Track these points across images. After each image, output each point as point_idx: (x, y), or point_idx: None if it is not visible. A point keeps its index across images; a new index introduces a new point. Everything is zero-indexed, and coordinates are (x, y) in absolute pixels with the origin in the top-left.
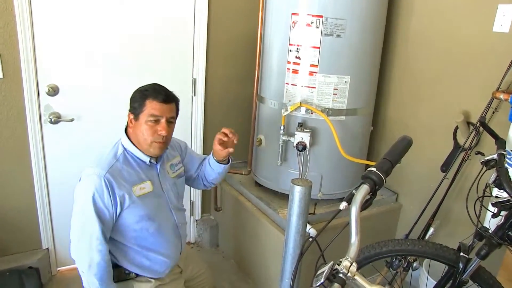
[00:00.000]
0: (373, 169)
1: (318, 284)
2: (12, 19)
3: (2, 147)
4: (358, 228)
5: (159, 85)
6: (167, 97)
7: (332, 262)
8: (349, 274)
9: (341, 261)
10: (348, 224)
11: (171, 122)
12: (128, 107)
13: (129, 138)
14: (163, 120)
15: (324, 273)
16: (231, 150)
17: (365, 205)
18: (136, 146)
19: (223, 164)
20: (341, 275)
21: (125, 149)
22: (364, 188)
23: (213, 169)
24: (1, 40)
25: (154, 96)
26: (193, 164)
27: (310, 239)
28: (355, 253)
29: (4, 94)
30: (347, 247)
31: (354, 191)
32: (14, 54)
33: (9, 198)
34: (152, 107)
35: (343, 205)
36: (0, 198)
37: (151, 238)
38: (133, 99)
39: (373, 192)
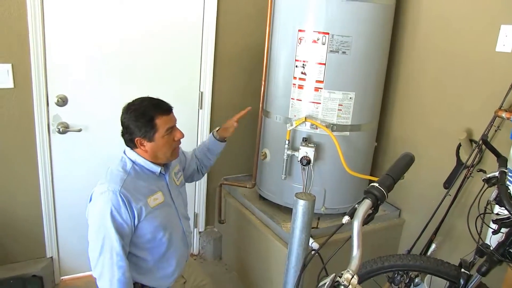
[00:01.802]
0: (376, 184)
1: None
2: (25, 30)
3: (10, 156)
4: (360, 242)
5: (151, 98)
6: (169, 106)
7: (334, 274)
8: (350, 286)
9: (342, 274)
10: (350, 238)
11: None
12: (128, 133)
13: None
14: (176, 127)
15: (326, 285)
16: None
17: (367, 220)
18: (146, 159)
19: (224, 142)
20: (342, 287)
21: (133, 162)
22: (366, 203)
23: (214, 151)
24: (13, 50)
25: (159, 112)
26: (192, 159)
27: (313, 252)
28: (357, 266)
29: (14, 103)
30: (349, 261)
31: (356, 205)
32: (26, 65)
33: (16, 206)
34: (164, 122)
35: (345, 219)
36: (6, 206)
37: (163, 247)
38: (136, 124)
39: (375, 207)
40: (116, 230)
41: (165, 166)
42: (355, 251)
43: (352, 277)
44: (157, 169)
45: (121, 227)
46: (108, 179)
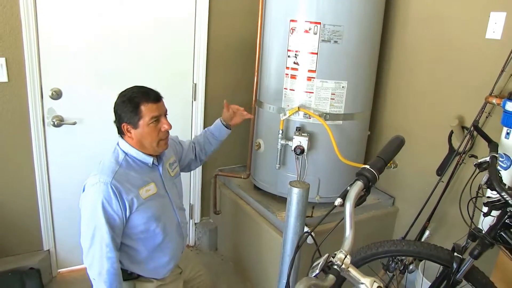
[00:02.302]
0: (367, 166)
1: (314, 274)
2: (18, 24)
3: (5, 149)
4: (352, 223)
5: (141, 86)
6: (157, 95)
7: (327, 255)
8: (343, 266)
9: (335, 254)
10: (342, 219)
11: (166, 115)
12: (117, 119)
13: (128, 143)
14: (163, 117)
15: (320, 264)
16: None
17: (359, 201)
18: (137, 149)
19: (229, 129)
20: (335, 267)
21: (126, 153)
22: (358, 185)
23: (219, 138)
24: (7, 44)
25: (146, 99)
26: (189, 149)
27: (306, 234)
28: (349, 246)
29: (8, 97)
30: (342, 242)
31: (348, 188)
32: (19, 59)
33: (12, 200)
34: (149, 109)
35: (338, 201)
36: (2, 199)
37: (157, 238)
38: (123, 109)
39: (366, 189)
40: (106, 221)
41: (158, 157)
42: (348, 232)
43: (345, 256)
44: (149, 160)
45: (112, 218)
46: (100, 171)
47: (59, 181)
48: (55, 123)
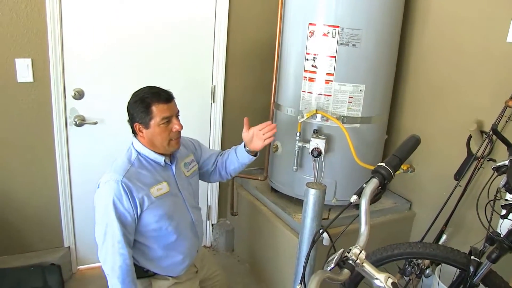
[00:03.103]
0: (383, 164)
1: (329, 268)
2: (44, 26)
3: (29, 148)
4: (367, 219)
5: (153, 86)
6: (168, 96)
7: (342, 250)
8: (358, 261)
9: (351, 249)
10: (358, 216)
11: (178, 116)
12: (130, 118)
13: (141, 142)
14: (174, 118)
15: (335, 259)
16: (269, 141)
17: (374, 198)
18: (149, 149)
19: (251, 155)
20: (350, 261)
21: (138, 153)
22: (374, 182)
23: (240, 160)
24: (33, 46)
25: (157, 99)
26: (210, 158)
27: (321, 230)
28: (364, 241)
29: (33, 97)
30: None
31: (364, 185)
32: (44, 59)
33: (34, 197)
34: (160, 110)
35: (353, 198)
36: (25, 196)
37: (170, 237)
38: (135, 109)
39: (382, 186)
40: (118, 218)
41: (172, 156)
42: (363, 228)
43: (360, 252)
44: (161, 159)
45: (123, 216)
46: (113, 169)
47: (80, 179)
48: (77, 122)
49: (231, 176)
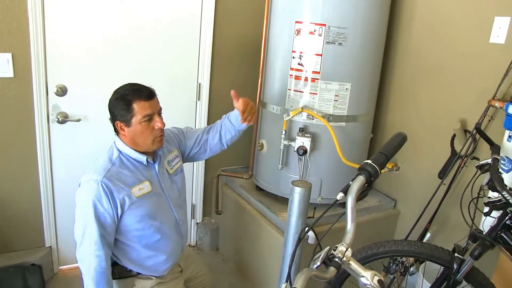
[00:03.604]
0: (369, 161)
1: (315, 266)
2: (25, 20)
3: (10, 145)
4: (353, 216)
5: (134, 83)
6: (150, 93)
7: (328, 247)
8: (344, 258)
9: (337, 247)
10: (344, 214)
11: (160, 113)
12: (111, 116)
13: (123, 141)
14: (156, 115)
15: (321, 257)
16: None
17: (360, 196)
18: (131, 148)
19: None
20: (336, 259)
21: (120, 152)
22: (360, 179)
23: (236, 127)
24: (14, 40)
25: (138, 97)
26: (196, 141)
27: (307, 228)
28: (351, 239)
29: (14, 92)
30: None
31: (350, 182)
32: (26, 54)
33: (15, 196)
34: (141, 107)
35: (340, 195)
36: (6, 195)
37: (153, 237)
38: (116, 107)
39: (368, 184)
40: (96, 220)
41: (154, 155)
42: (349, 225)
43: (346, 249)
44: (143, 158)
45: (102, 217)
46: (94, 169)
47: (62, 177)
48: (60, 119)
49: (227, 146)
